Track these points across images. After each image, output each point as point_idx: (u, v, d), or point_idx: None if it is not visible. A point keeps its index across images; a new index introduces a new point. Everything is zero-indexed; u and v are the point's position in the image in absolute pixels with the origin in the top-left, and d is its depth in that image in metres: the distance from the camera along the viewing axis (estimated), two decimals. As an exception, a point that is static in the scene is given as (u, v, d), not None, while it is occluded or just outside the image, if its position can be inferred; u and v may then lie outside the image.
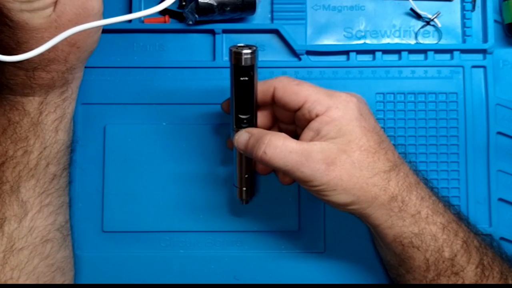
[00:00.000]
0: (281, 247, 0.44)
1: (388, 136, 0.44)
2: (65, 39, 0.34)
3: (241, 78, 0.36)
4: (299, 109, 0.37)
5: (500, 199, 0.44)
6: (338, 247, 0.44)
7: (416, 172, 0.39)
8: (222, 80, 0.44)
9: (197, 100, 0.45)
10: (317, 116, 0.36)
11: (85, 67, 0.44)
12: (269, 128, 0.41)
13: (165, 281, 0.44)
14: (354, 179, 0.35)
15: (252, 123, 0.38)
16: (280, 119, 0.40)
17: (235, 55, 0.35)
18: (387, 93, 0.45)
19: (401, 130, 0.44)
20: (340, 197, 0.36)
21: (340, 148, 0.35)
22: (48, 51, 0.35)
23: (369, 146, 0.36)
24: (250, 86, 0.37)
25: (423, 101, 0.45)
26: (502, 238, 0.44)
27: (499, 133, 0.44)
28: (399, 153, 0.39)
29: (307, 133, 0.36)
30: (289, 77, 0.38)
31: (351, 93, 0.38)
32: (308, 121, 0.36)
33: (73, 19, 0.34)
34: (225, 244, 0.44)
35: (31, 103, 0.37)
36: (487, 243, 0.39)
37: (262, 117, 0.40)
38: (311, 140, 0.36)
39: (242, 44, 0.36)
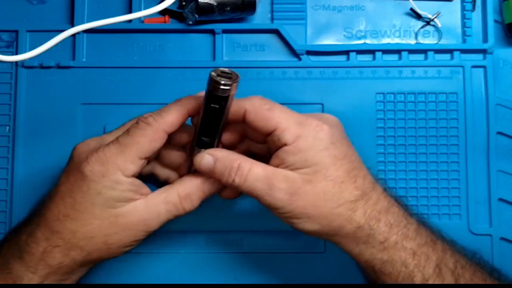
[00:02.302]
0: (281, 247, 0.44)
1: (388, 136, 0.44)
2: (103, 237, 0.36)
3: (212, 105, 0.34)
4: (269, 134, 0.36)
5: (500, 199, 0.44)
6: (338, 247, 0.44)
7: (390, 193, 0.38)
8: (222, 80, 0.44)
9: (197, 100, 0.45)
10: (285, 145, 0.35)
11: (85, 67, 0.45)
12: (238, 143, 0.39)
13: (165, 281, 0.44)
14: (319, 210, 0.35)
15: (212, 146, 0.37)
16: (251, 137, 0.39)
17: (213, 83, 0.33)
18: (387, 93, 0.45)
19: (401, 130, 0.44)
20: (306, 225, 0.35)
21: (304, 179, 0.34)
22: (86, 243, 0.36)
23: (336, 176, 0.35)
24: (218, 115, 0.35)
25: (423, 101, 0.45)
26: (502, 238, 0.44)
27: (499, 133, 0.44)
28: (373, 175, 0.37)
29: (274, 160, 0.36)
30: (262, 98, 0.36)
31: (325, 118, 0.37)
32: (278, 147, 0.35)
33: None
34: (225, 244, 0.44)
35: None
36: (466, 261, 0.37)
37: (232, 132, 0.39)
38: (278, 167, 0.35)
39: (226, 70, 0.34)
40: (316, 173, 0.35)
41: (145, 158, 0.36)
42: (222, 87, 0.33)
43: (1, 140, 0.45)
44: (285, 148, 0.35)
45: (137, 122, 0.36)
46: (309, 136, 0.35)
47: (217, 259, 0.44)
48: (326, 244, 0.44)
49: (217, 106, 0.34)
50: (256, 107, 0.36)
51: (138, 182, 0.36)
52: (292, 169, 0.35)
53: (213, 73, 0.33)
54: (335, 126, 0.37)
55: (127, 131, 0.36)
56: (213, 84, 0.33)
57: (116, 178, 0.35)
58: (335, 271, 0.44)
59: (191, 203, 0.37)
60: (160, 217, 0.37)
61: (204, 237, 0.44)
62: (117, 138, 0.36)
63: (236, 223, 0.44)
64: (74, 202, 0.35)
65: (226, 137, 0.38)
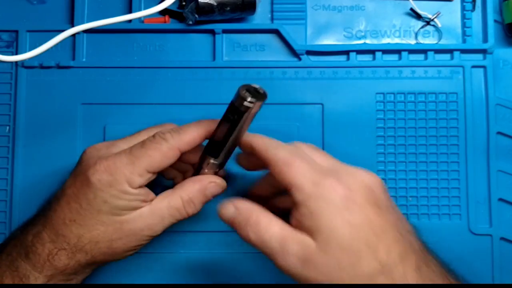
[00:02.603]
0: (281, 247, 0.44)
1: (388, 136, 0.44)
2: (108, 242, 0.36)
3: (229, 115, 0.34)
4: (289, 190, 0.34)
5: (500, 199, 0.44)
6: None
7: (429, 262, 0.33)
8: (222, 80, 0.44)
9: (197, 100, 0.45)
10: (298, 204, 0.32)
11: (85, 67, 0.45)
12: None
13: (165, 281, 0.44)
14: (332, 280, 0.32)
15: (218, 156, 0.37)
16: None
17: (237, 95, 0.33)
18: (387, 93, 0.45)
19: (401, 130, 0.44)
20: None
21: (318, 246, 0.31)
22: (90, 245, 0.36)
23: (352, 245, 0.31)
24: (232, 126, 0.35)
25: (423, 101, 0.45)
26: (502, 238, 0.44)
27: (499, 133, 0.44)
28: (417, 241, 0.33)
29: (292, 220, 0.33)
30: (288, 149, 0.34)
31: (346, 175, 0.33)
32: (293, 206, 0.33)
33: None
34: (225, 244, 0.44)
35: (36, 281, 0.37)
36: None
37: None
38: (296, 227, 0.33)
39: (257, 86, 0.34)
40: (330, 241, 0.31)
41: (154, 173, 0.36)
42: (246, 103, 0.33)
43: (1, 140, 0.45)
44: (299, 208, 0.32)
45: (153, 136, 0.36)
46: (320, 198, 0.32)
47: (217, 259, 0.44)
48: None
49: (234, 117, 0.34)
50: (277, 160, 0.34)
51: (144, 191, 0.36)
52: (308, 233, 0.32)
53: (242, 89, 0.33)
54: (352, 189, 0.32)
55: (142, 143, 0.36)
56: (239, 100, 0.34)
57: (123, 189, 0.35)
58: (335, 271, 0.44)
59: (194, 207, 0.37)
60: (164, 222, 0.37)
61: (204, 237, 0.44)
62: (130, 148, 0.36)
63: (236, 223, 0.44)
64: (80, 208, 0.35)
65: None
